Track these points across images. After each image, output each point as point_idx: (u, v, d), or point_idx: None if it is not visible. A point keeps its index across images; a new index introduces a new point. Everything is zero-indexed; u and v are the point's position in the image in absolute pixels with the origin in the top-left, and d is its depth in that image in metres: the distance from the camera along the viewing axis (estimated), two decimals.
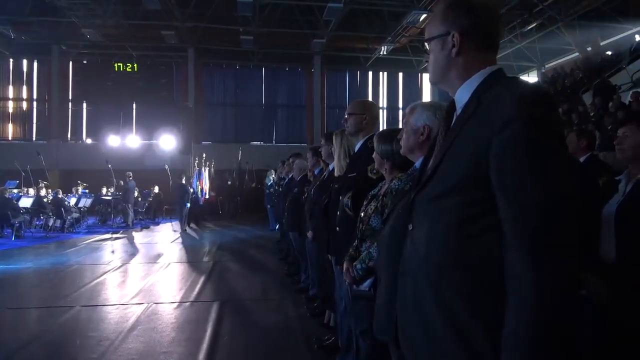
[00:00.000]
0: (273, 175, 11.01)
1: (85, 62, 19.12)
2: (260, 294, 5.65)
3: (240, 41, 16.81)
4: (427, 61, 1.28)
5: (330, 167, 3.66)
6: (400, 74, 20.89)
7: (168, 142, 16.83)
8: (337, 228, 2.74)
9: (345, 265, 2.20)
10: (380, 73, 20.81)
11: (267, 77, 20.10)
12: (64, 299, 5.28)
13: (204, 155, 15.16)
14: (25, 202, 11.50)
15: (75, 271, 6.97)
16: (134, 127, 18.83)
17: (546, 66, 20.04)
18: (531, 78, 20.08)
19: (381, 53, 18.53)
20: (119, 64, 18.38)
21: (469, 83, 1.19)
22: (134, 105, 19.05)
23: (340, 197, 2.72)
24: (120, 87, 18.20)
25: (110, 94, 18.23)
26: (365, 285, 2.06)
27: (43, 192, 12.59)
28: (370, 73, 20.66)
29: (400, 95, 20.94)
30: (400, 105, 20.85)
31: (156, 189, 15.46)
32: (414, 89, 20.84)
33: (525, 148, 0.99)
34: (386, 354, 2.01)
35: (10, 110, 19.13)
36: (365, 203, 2.24)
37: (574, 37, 16.91)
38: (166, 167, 15.00)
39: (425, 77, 20.31)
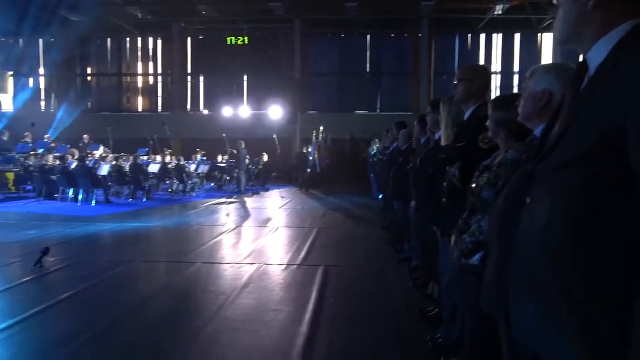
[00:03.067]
0: (377, 144, 10.97)
1: (201, 37, 20.39)
2: (362, 262, 5.75)
3: (345, 8, 16.65)
4: (553, 18, 1.15)
5: (437, 137, 3.53)
6: (517, 35, 19.18)
7: (276, 112, 17.51)
8: (444, 199, 2.66)
9: (453, 238, 2.14)
10: (494, 35, 19.30)
11: (372, 45, 19.74)
12: (187, 255, 5.87)
13: (321, 127, 15.50)
14: (153, 168, 12.80)
15: (196, 231, 7.68)
16: (245, 98, 19.85)
17: None
18: None
19: (495, 13, 17.09)
20: (231, 37, 19.35)
21: (605, 40, 1.03)
22: (245, 76, 20.02)
23: (448, 168, 2.63)
24: (233, 59, 19.24)
25: (223, 67, 19.35)
26: (476, 258, 1.99)
27: (167, 159, 13.93)
28: (482, 35, 19.28)
29: (517, 58, 19.29)
30: (516, 69, 19.28)
31: (265, 157, 16.24)
32: (532, 51, 19.06)
33: None
34: (493, 329, 1.95)
35: (140, 84, 21.28)
36: (476, 174, 2.13)
37: None
38: (274, 136, 15.63)
39: (546, 37, 18.49)
